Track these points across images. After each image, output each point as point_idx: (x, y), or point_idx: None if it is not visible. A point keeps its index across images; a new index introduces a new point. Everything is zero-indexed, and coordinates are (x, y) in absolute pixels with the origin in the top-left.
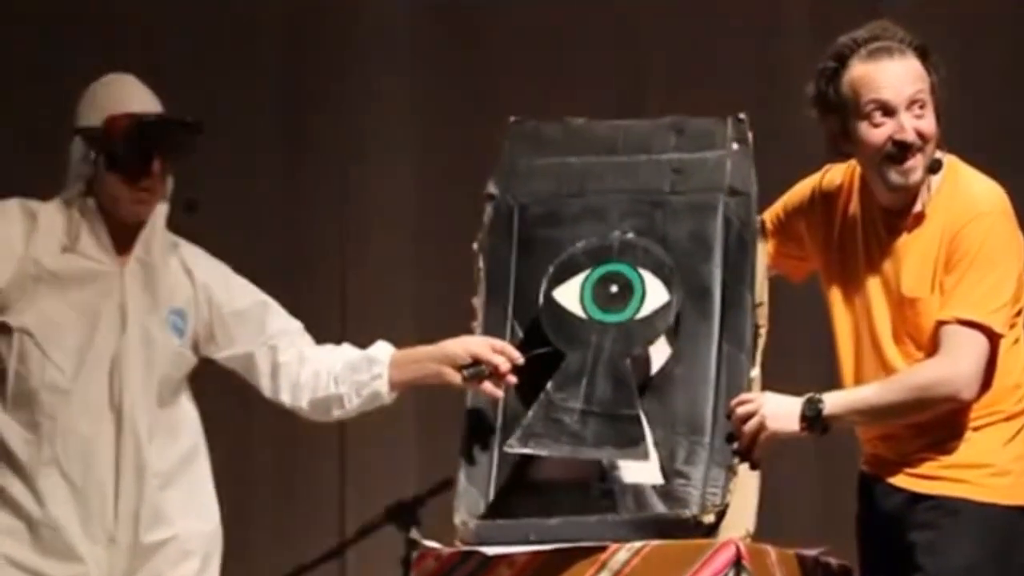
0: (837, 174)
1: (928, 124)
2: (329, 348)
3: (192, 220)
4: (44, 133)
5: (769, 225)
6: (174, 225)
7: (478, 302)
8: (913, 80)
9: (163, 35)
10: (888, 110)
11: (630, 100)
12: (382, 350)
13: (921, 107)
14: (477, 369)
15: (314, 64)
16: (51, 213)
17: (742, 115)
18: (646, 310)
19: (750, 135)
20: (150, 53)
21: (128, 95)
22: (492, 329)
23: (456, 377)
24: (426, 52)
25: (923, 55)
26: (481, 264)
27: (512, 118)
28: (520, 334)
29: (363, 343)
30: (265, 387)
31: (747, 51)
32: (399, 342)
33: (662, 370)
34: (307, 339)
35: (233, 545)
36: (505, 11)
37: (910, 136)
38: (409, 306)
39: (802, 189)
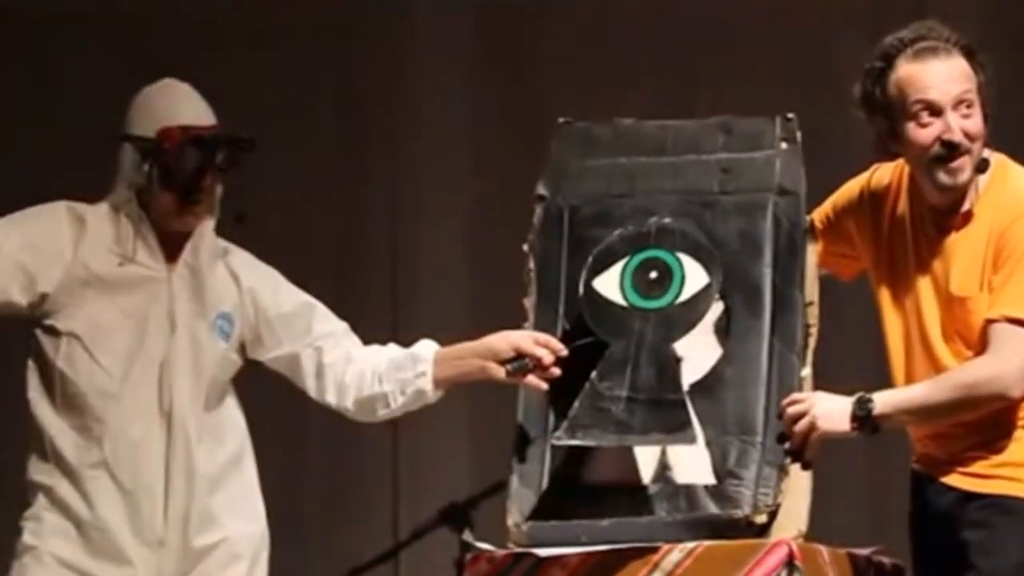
0: (885, 173)
1: (975, 124)
2: (375, 348)
3: (244, 228)
4: (95, 134)
5: (818, 224)
6: (227, 233)
7: (529, 303)
8: (959, 80)
9: (219, 44)
10: (935, 110)
11: (680, 101)
12: (426, 348)
13: (968, 107)
14: (521, 363)
15: (368, 66)
16: (100, 217)
17: (791, 115)
18: (686, 294)
19: (799, 134)
20: (205, 62)
21: (181, 106)
22: (543, 330)
23: (500, 372)
24: (479, 57)
25: (970, 54)
26: (532, 265)
27: (561, 119)
28: (571, 333)
29: (415, 342)
30: (311, 388)
31: (799, 52)
32: (453, 342)
33: (713, 370)
34: (353, 339)
35: (287, 548)
36: (555, 15)
37: (957, 136)
38: (462, 309)
39: (851, 189)
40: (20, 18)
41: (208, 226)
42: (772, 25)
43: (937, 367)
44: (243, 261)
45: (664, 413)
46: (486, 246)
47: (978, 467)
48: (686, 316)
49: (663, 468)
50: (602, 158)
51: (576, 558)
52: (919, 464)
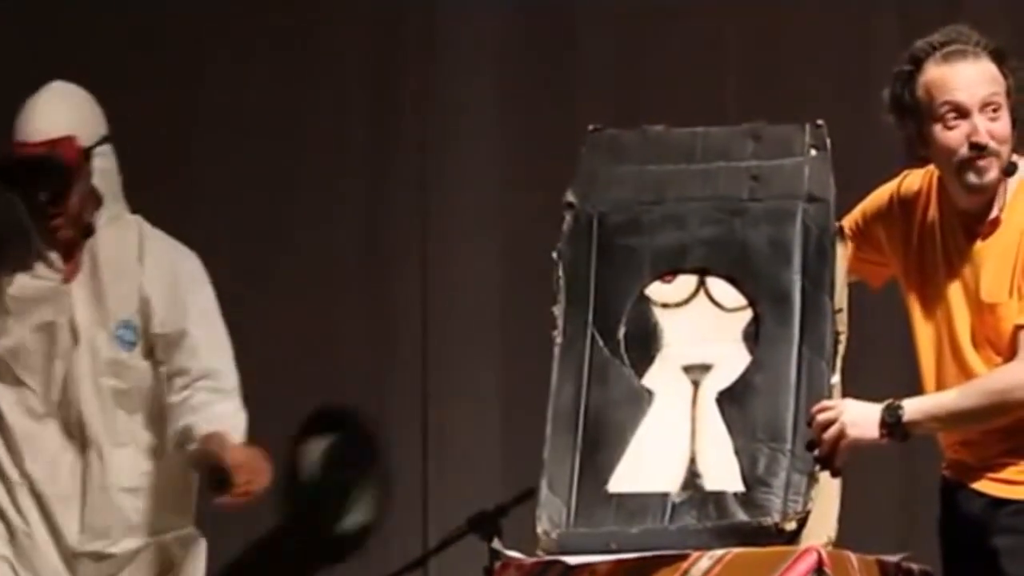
0: (915, 180)
1: (1002, 127)
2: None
3: (271, 237)
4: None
5: (848, 231)
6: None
7: (558, 311)
8: (987, 82)
9: (249, 48)
10: (962, 112)
11: (712, 108)
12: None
13: (995, 110)
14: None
15: (398, 64)
16: (14, 238)
17: (820, 121)
18: None
19: (828, 141)
20: (234, 67)
21: (21, 121)
22: (572, 337)
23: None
24: (511, 59)
25: (999, 58)
26: (560, 273)
27: (591, 126)
28: (600, 342)
29: (445, 350)
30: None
31: (833, 60)
32: (483, 350)
33: (742, 378)
34: (207, 384)
35: (313, 558)
36: (589, 18)
37: (983, 138)
38: (492, 319)
39: (880, 195)
40: None
41: (109, 228)
42: (806, 29)
43: (968, 374)
44: (155, 264)
45: None
46: (517, 254)
47: (1009, 473)
48: None
49: (692, 476)
50: (631, 165)
51: (605, 565)
52: (949, 470)
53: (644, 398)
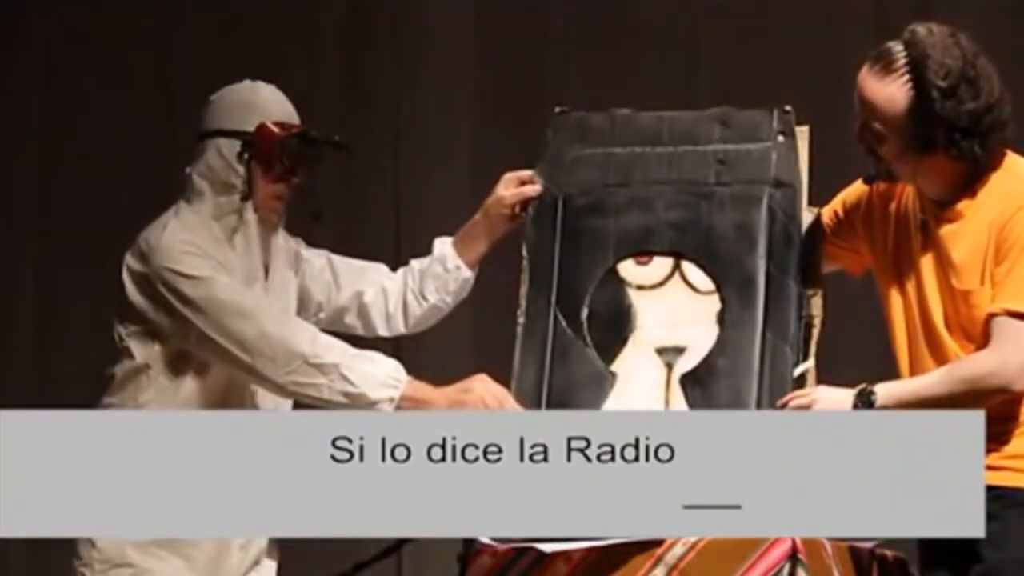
0: None
1: (884, 150)
2: (398, 273)
3: None
4: None
5: (828, 219)
6: None
7: (522, 291)
8: (866, 107)
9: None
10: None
11: (686, 92)
12: (441, 245)
13: (875, 136)
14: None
15: (369, 59)
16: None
17: (788, 107)
18: None
19: (796, 127)
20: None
21: (277, 104)
22: (536, 318)
23: (507, 199)
24: (483, 46)
25: (915, 71)
26: (525, 254)
27: (557, 109)
28: (563, 324)
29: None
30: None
31: (809, 48)
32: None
33: (706, 360)
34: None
35: (289, 541)
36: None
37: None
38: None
39: (860, 184)
40: None
41: (282, 232)
42: (780, 18)
43: (942, 358)
44: (305, 256)
45: None
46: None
47: (989, 459)
48: None
49: None
50: (598, 148)
51: (579, 552)
52: None
53: (607, 380)
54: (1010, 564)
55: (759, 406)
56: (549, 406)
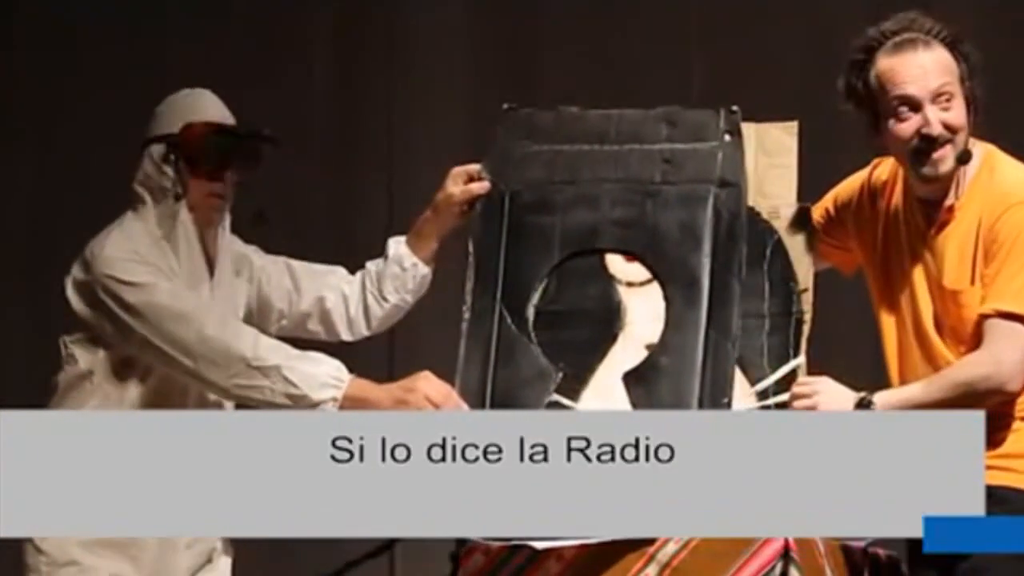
0: (885, 168)
1: (955, 116)
2: (356, 276)
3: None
4: None
5: (819, 217)
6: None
7: (467, 288)
8: (937, 72)
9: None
10: (913, 105)
11: (682, 92)
12: (395, 245)
13: (948, 99)
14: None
15: (363, 59)
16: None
17: (735, 107)
18: None
19: (742, 126)
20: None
21: (205, 106)
22: (480, 315)
23: (457, 194)
24: (477, 46)
25: (952, 44)
26: (471, 250)
27: (505, 105)
28: (509, 320)
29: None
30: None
31: (803, 46)
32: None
33: (649, 359)
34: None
35: (280, 539)
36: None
37: (936, 130)
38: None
39: (851, 183)
40: None
41: (227, 234)
42: (775, 15)
43: (932, 361)
44: (260, 264)
45: None
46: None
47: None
48: None
49: None
50: (545, 145)
51: (571, 550)
52: None
53: (551, 377)
54: (998, 563)
55: (701, 405)
56: (493, 404)
